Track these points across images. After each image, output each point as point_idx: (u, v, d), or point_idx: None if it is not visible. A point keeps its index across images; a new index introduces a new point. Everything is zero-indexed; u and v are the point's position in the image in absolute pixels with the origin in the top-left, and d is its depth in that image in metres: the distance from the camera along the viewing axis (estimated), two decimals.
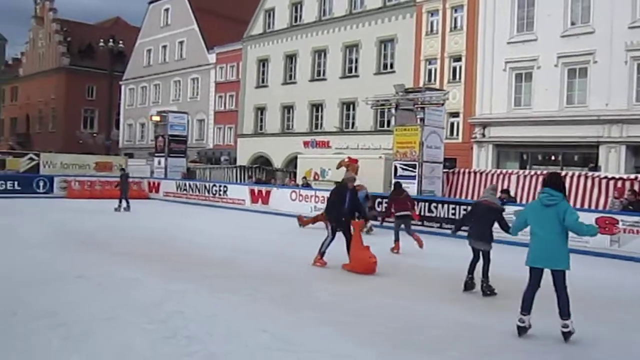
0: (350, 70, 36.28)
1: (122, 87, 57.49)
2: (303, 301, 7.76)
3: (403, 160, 19.34)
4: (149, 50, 55.18)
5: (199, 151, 45.65)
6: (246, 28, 43.31)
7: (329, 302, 7.79)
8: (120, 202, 21.17)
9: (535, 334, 6.51)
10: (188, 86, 50.56)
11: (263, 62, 42.00)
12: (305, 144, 37.60)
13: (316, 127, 38.02)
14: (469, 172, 20.49)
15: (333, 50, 36.91)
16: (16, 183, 25.83)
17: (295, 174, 26.62)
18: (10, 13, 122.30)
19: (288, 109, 39.90)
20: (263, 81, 41.97)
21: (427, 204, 17.69)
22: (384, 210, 15.38)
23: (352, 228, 10.69)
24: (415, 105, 18.93)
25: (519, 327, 6.53)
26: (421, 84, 29.55)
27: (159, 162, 30.12)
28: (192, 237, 14.49)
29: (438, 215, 17.29)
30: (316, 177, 23.66)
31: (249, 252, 12.25)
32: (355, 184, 15.13)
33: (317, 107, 38.08)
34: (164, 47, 53.39)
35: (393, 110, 19.90)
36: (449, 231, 16.49)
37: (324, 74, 37.75)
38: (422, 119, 18.86)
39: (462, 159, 27.57)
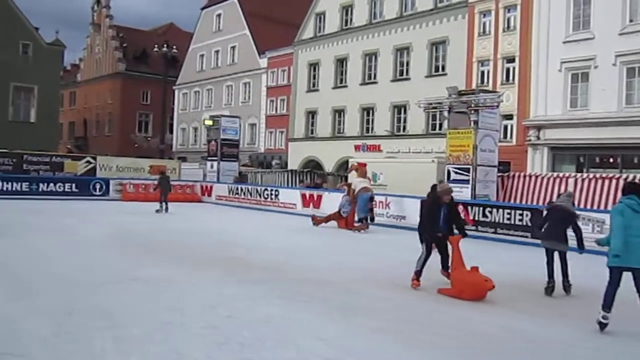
0: (401, 73, 36.02)
1: (176, 92, 58.44)
2: (358, 308, 7.64)
3: (456, 164, 19.03)
4: (202, 56, 55.95)
5: (251, 155, 46.00)
6: (297, 32, 43.49)
7: (385, 309, 7.65)
8: (161, 204, 21.82)
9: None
10: (240, 90, 51.04)
11: (314, 66, 42.07)
12: (356, 147, 37.49)
13: (367, 131, 37.86)
14: (525, 176, 20.01)
15: (384, 53, 36.71)
16: (74, 185, 26.51)
17: (347, 177, 26.49)
18: (70, 20, 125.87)
19: (339, 112, 39.84)
20: (314, 85, 42.03)
21: (481, 208, 17.31)
22: None
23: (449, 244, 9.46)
24: (469, 108, 18.59)
25: (601, 323, 6.82)
26: (473, 86, 29.11)
27: (212, 166, 30.42)
28: (245, 241, 14.53)
29: (493, 220, 16.88)
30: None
31: (302, 257, 12.20)
32: (362, 186, 18.44)
33: (368, 111, 37.93)
34: (216, 52, 54.05)
35: (446, 113, 19.60)
36: (503, 236, 16.31)
37: (374, 78, 37.58)
38: (476, 122, 18.51)
39: (516, 163, 27.01)
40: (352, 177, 20.39)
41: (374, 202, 18.61)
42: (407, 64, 35.60)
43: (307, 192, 23.48)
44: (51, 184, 26.10)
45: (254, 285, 8.71)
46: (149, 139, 56.98)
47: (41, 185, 25.88)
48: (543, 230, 9.46)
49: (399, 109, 35.97)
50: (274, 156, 45.98)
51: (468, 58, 31.71)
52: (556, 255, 9.12)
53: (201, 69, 56.02)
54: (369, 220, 18.16)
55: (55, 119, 46.94)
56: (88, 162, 28.60)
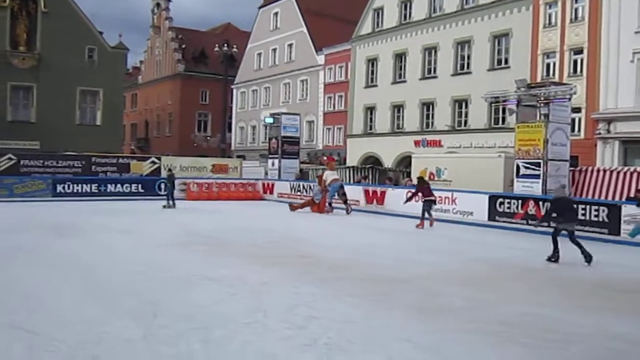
0: (462, 67, 35.41)
1: (234, 91, 59.08)
2: (438, 307, 7.46)
3: (526, 158, 18.52)
4: (259, 54, 56.39)
5: (309, 152, 46.06)
6: (354, 28, 43.27)
7: (465, 309, 7.45)
8: (168, 199, 22.70)
9: None
10: (297, 88, 51.22)
11: (372, 62, 41.78)
12: (416, 143, 37.09)
13: (427, 126, 37.39)
14: (597, 170, 19.37)
15: (444, 47, 36.17)
16: (140, 185, 27.05)
17: (409, 173, 26.24)
18: (131, 24, 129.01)
19: (398, 108, 39.48)
20: (372, 81, 41.75)
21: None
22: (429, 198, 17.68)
23: None
24: (539, 101, 18.08)
25: None
26: (538, 79, 28.39)
27: (273, 164, 30.57)
28: (311, 238, 14.49)
29: None
30: (432, 177, 23.16)
31: (371, 254, 12.05)
32: (332, 177, 21.99)
33: (427, 106, 37.45)
34: (274, 50, 54.38)
35: (514, 107, 19.11)
36: (578, 233, 15.77)
37: (434, 72, 37.06)
38: (547, 115, 17.98)
39: (584, 157, 26.12)
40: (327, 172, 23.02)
41: (343, 189, 22.30)
42: (468, 57, 34.97)
43: (371, 189, 23.31)
44: (118, 185, 26.70)
45: (328, 284, 8.62)
46: (208, 138, 57.79)
47: (109, 186, 26.50)
48: (558, 216, 11.82)
49: (460, 104, 35.37)
50: (333, 153, 45.91)
51: (533, 50, 30.91)
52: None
53: (259, 67, 56.47)
54: (347, 202, 21.85)
55: (120, 121, 48.06)
56: (153, 162, 29.10)
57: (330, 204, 21.79)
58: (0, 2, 41.76)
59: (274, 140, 30.82)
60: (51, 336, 5.79)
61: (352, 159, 40.91)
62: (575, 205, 11.86)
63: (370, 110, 41.70)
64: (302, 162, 33.84)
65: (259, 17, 56.79)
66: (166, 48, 66.49)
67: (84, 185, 26.14)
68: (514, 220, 17.75)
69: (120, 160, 28.98)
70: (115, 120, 46.67)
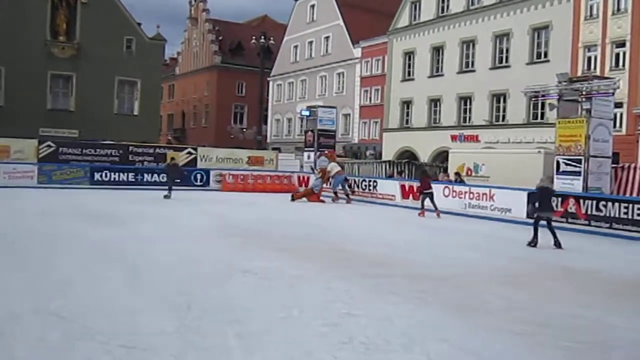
0: (500, 60, 34.92)
1: (270, 83, 59.16)
2: (477, 306, 7.25)
3: (567, 154, 18.06)
4: (296, 47, 56.37)
5: (345, 145, 45.92)
6: (391, 21, 42.96)
7: (505, 309, 7.22)
8: (170, 190, 22.02)
9: None
10: (334, 81, 51.08)
11: (409, 55, 41.44)
12: (453, 138, 36.71)
13: (464, 121, 36.98)
14: None
15: (482, 40, 35.70)
16: (166, 174, 27.11)
17: (446, 168, 25.90)
18: (169, 15, 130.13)
19: (435, 102, 39.11)
20: (409, 74, 41.42)
21: (594, 202, 16.35)
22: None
23: None
24: (581, 95, 17.62)
25: None
26: (579, 73, 27.78)
27: (308, 157, 30.45)
28: (347, 232, 14.37)
29: (608, 215, 15.91)
30: (469, 173, 22.83)
31: (408, 250, 11.87)
32: (337, 169, 23.95)
33: (465, 100, 37.02)
34: (310, 43, 54.30)
35: (555, 102, 18.65)
36: (620, 232, 15.40)
37: (472, 66, 36.63)
38: (589, 110, 17.49)
39: (626, 153, 25.47)
40: (323, 162, 24.74)
41: (348, 180, 24.56)
42: (507, 50, 34.48)
43: (407, 184, 23.06)
44: (155, 175, 26.87)
45: (365, 280, 8.47)
46: (244, 130, 58.01)
47: (146, 175, 26.70)
48: (540, 205, 13.00)
49: (498, 98, 34.90)
50: (368, 147, 45.74)
51: (573, 43, 30.32)
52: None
53: (295, 60, 56.46)
54: (348, 195, 23.82)
55: (157, 111, 48.59)
56: (189, 153, 29.25)
57: (336, 193, 23.81)
58: None
59: (310, 133, 30.70)
60: (86, 324, 5.76)
61: (388, 153, 40.63)
62: (554, 197, 13.57)
63: (406, 104, 41.38)
64: (338, 156, 33.64)
65: (296, 10, 56.73)
66: (203, 40, 66.88)
67: (121, 174, 26.39)
68: (553, 218, 17.31)
69: (157, 150, 29.20)
70: (153, 110, 47.17)
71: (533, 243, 12.65)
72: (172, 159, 25.43)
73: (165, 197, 21.62)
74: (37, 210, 16.20)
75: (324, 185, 24.02)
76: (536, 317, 6.89)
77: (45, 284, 7.48)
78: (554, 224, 13.00)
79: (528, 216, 17.26)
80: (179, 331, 5.70)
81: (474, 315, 6.82)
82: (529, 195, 14.75)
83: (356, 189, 25.33)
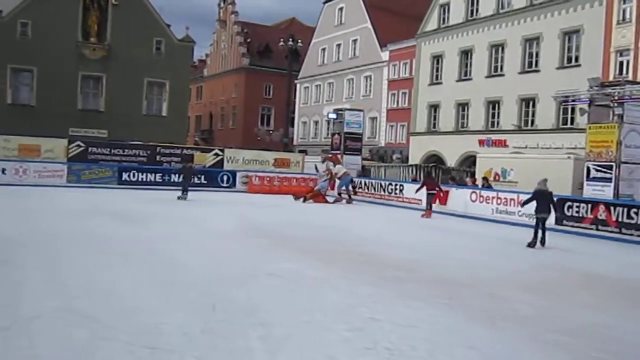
0: (530, 64, 34.48)
1: (297, 86, 59.22)
2: (504, 313, 7.13)
3: (597, 160, 17.75)
4: (323, 49, 56.35)
5: (371, 149, 45.78)
6: (420, 24, 42.68)
7: (532, 317, 7.10)
8: (183, 192, 21.68)
9: None
10: (361, 84, 50.96)
11: (437, 59, 41.14)
12: (481, 142, 36.32)
13: (492, 125, 36.59)
14: None
15: (511, 44, 35.29)
16: (203, 177, 27.31)
17: (473, 173, 25.67)
18: (197, 17, 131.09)
19: (463, 106, 38.76)
20: (437, 78, 41.11)
21: (625, 209, 16.03)
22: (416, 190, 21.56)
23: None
24: (612, 101, 17.32)
25: None
26: (610, 78, 27.31)
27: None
28: (372, 236, 14.28)
29: (639, 222, 15.62)
30: (497, 178, 22.60)
31: (434, 255, 11.77)
32: (343, 171, 24.99)
33: (493, 104, 36.63)
34: (338, 45, 54.24)
35: (586, 107, 18.36)
36: None
37: (501, 70, 36.23)
38: (620, 116, 17.19)
39: None
40: (330, 165, 25.76)
41: (353, 182, 25.74)
42: (537, 55, 34.02)
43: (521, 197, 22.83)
44: (182, 176, 26.98)
45: (389, 284, 8.39)
46: (271, 132, 58.15)
47: (173, 176, 26.84)
48: (536, 206, 13.74)
49: (527, 102, 34.46)
50: (395, 150, 45.55)
51: (605, 48, 29.80)
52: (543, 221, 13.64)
53: (322, 62, 56.45)
54: (350, 196, 24.71)
55: (185, 113, 48.87)
56: (216, 154, 29.38)
57: (340, 194, 24.81)
58: None
59: (336, 136, 30.64)
60: (111, 324, 5.78)
61: (415, 157, 40.40)
62: (551, 199, 13.94)
63: (434, 108, 41.09)
64: (364, 159, 33.54)
65: (324, 12, 56.73)
66: (231, 42, 67.21)
67: (148, 174, 26.64)
68: (582, 225, 17.08)
69: (185, 151, 29.39)
70: (181, 111, 47.49)
71: (532, 244, 13.48)
72: (188, 161, 25.45)
73: (179, 198, 21.47)
74: (65, 209, 16.38)
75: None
76: (566, 325, 6.76)
77: (71, 283, 7.54)
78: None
79: (556, 222, 17.09)
80: (203, 332, 5.70)
81: (502, 322, 6.71)
82: (533, 193, 14.54)
83: (383, 192, 25.19)
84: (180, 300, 6.91)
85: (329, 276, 8.77)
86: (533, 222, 18.26)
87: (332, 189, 25.43)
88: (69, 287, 7.24)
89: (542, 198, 13.82)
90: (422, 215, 20.03)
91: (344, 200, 24.57)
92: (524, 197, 18.68)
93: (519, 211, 18.76)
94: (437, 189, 20.66)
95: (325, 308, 6.82)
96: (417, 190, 21.24)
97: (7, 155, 24.92)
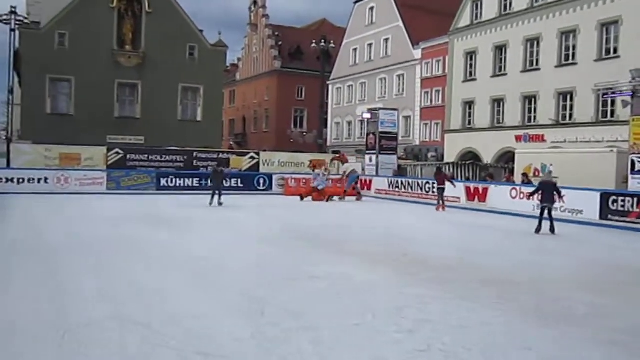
0: (566, 58, 33.84)
1: (330, 87, 59.20)
2: (558, 313, 6.96)
3: None
4: (355, 49, 56.24)
5: (406, 148, 45.50)
6: (452, 21, 42.27)
7: (589, 316, 6.91)
8: (212, 197, 20.77)
9: None
10: (394, 83, 50.73)
11: (471, 55, 40.67)
12: (517, 138, 35.81)
13: (529, 120, 36.04)
14: None
15: (547, 38, 34.68)
16: (239, 180, 27.47)
17: (512, 169, 25.31)
18: (229, 22, 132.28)
19: (498, 102, 38.26)
20: (471, 74, 40.65)
21: None
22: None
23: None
24: None
25: None
26: None
27: (370, 159, 30.28)
28: (413, 236, 14.16)
29: None
30: (536, 174, 22.23)
31: (477, 253, 11.59)
32: (352, 168, 26.31)
33: (529, 99, 36.08)
34: (370, 45, 54.08)
35: (629, 99, 17.95)
36: None
37: (537, 64, 35.64)
38: None
39: None
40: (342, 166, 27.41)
41: (359, 178, 26.97)
42: (574, 47, 33.36)
43: (472, 186, 22.62)
44: (212, 180, 27.16)
45: (437, 285, 8.26)
46: (304, 134, 58.22)
47: (210, 180, 27.01)
48: (541, 196, 15.15)
49: (565, 96, 33.83)
50: (430, 148, 45.19)
51: None
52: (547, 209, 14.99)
53: (354, 63, 56.33)
54: (359, 192, 25.98)
55: (219, 117, 49.22)
56: (252, 157, 29.54)
57: (345, 191, 25.74)
58: (108, 4, 43.63)
59: (371, 135, 30.52)
60: (161, 330, 5.79)
61: (450, 155, 40.02)
62: (555, 189, 15.11)
63: (469, 104, 40.65)
64: (399, 158, 33.37)
65: (355, 12, 56.63)
66: (263, 45, 67.52)
67: (186, 179, 26.87)
68: (628, 220, 16.70)
69: (221, 156, 29.59)
70: (215, 116, 47.85)
71: (538, 230, 14.89)
72: (218, 164, 25.47)
73: (211, 204, 20.47)
74: (107, 216, 16.59)
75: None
76: (624, 324, 6.57)
77: (118, 289, 7.59)
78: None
79: (601, 217, 16.75)
80: (254, 337, 5.66)
81: (557, 322, 6.53)
82: (539, 184, 16.20)
83: (420, 191, 24.99)
84: (227, 305, 6.91)
85: (375, 277, 8.69)
86: (574, 217, 18.13)
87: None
88: (117, 294, 7.29)
89: (547, 189, 15.18)
90: (437, 209, 21.38)
91: (353, 198, 25.60)
92: (568, 192, 18.50)
93: (562, 207, 18.41)
94: (446, 182, 21.65)
95: (374, 310, 6.74)
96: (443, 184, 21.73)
97: (49, 165, 25.40)
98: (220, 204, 20.53)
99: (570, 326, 6.42)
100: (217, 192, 20.89)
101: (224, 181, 23.46)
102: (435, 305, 7.06)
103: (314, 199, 24.74)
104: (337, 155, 28.51)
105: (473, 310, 6.88)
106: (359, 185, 26.54)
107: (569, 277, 9.36)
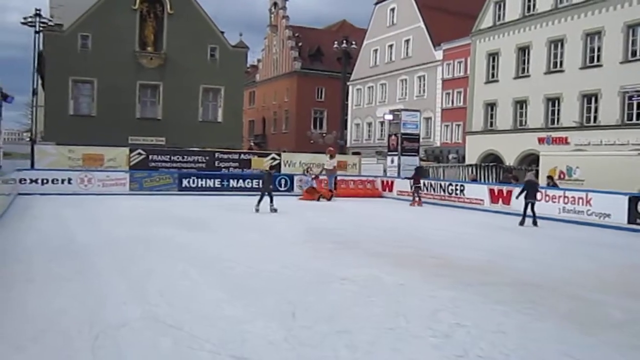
0: (591, 59, 33.54)
1: (350, 88, 59.10)
2: (595, 319, 6.81)
3: None
4: (375, 51, 56.14)
5: (426, 149, 45.29)
6: (473, 22, 42.06)
7: (627, 322, 6.75)
8: (260, 201, 18.85)
9: None
10: (414, 84, 50.54)
11: (493, 56, 40.44)
12: (540, 140, 35.55)
13: (552, 123, 35.73)
14: None
15: (572, 39, 34.42)
16: (261, 181, 27.34)
17: (537, 172, 24.99)
18: (249, 23, 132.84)
19: (521, 104, 37.99)
20: (493, 76, 40.41)
21: None
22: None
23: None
24: None
25: None
26: None
27: (392, 161, 30.12)
28: (439, 238, 14.00)
29: None
30: (562, 176, 21.98)
31: (507, 256, 11.42)
32: (332, 167, 26.21)
33: (553, 101, 35.79)
34: (390, 46, 53.96)
35: None
36: None
37: (561, 66, 35.37)
38: None
39: None
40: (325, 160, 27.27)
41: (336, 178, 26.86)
42: (599, 49, 33.05)
43: (496, 188, 22.41)
44: (240, 180, 27.24)
45: (469, 288, 8.13)
46: (324, 135, 58.18)
47: (231, 181, 27.09)
48: (526, 193, 17.15)
49: (589, 98, 33.51)
50: (451, 150, 44.98)
51: None
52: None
53: (375, 64, 56.23)
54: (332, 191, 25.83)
55: (240, 118, 49.36)
56: (273, 158, 29.49)
57: (331, 190, 25.83)
58: (131, 6, 43.92)
59: (393, 137, 30.37)
60: (194, 333, 5.73)
61: (472, 157, 39.80)
62: (538, 188, 17.80)
63: (490, 106, 40.40)
64: (421, 159, 33.18)
65: (375, 13, 56.53)
66: (283, 46, 67.63)
67: (208, 180, 26.87)
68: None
69: (242, 156, 29.60)
70: (236, 117, 48.00)
71: (522, 222, 17.05)
72: (271, 167, 25.14)
73: (259, 209, 18.68)
74: (131, 217, 16.62)
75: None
76: None
77: (148, 290, 7.54)
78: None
79: (629, 222, 16.49)
80: (287, 341, 5.59)
81: (594, 328, 6.39)
82: (524, 183, 18.30)
83: (443, 193, 24.79)
84: (258, 307, 6.83)
85: (405, 280, 8.57)
86: (603, 221, 17.89)
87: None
88: (148, 295, 7.25)
89: (532, 187, 17.34)
90: (410, 205, 23.80)
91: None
92: (595, 195, 18.35)
93: (589, 210, 18.18)
94: (421, 181, 24.56)
95: (408, 314, 6.64)
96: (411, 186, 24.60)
97: (72, 165, 25.52)
98: (274, 210, 18.66)
99: (609, 332, 6.29)
100: (267, 195, 19.01)
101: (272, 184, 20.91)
102: (470, 309, 6.94)
103: (303, 198, 25.07)
104: (332, 149, 28.46)
105: (507, 315, 6.76)
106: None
107: (600, 281, 9.18)
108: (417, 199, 23.94)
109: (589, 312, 7.14)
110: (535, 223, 16.93)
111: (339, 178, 27.53)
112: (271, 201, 18.80)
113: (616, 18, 31.71)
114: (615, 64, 31.65)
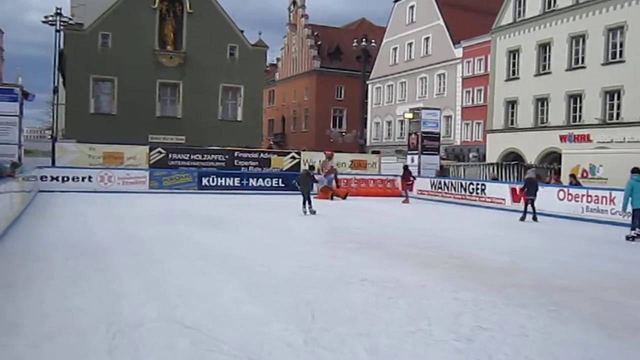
0: (614, 55, 33.02)
1: (369, 86, 58.90)
2: (621, 322, 6.64)
3: None
4: (395, 49, 55.87)
5: (447, 148, 44.98)
6: (493, 19, 41.64)
7: None
8: (304, 203, 18.13)
9: None
10: (434, 82, 50.23)
11: (513, 54, 40.01)
12: (562, 138, 35.10)
13: (574, 120, 35.26)
14: None
15: (593, 34, 33.90)
16: (280, 180, 27.42)
17: (558, 170, 24.71)
18: (269, 22, 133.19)
19: (542, 101, 37.55)
20: (514, 73, 39.97)
21: None
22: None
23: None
24: None
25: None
26: None
27: (412, 160, 29.93)
28: (460, 239, 13.82)
29: None
30: (584, 175, 21.65)
31: (527, 257, 11.24)
32: (330, 167, 26.09)
33: (575, 98, 35.30)
34: (410, 44, 53.67)
35: None
36: None
37: (582, 62, 34.86)
38: None
39: None
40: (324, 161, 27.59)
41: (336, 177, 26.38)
42: (622, 44, 32.53)
43: (518, 187, 22.14)
44: (260, 179, 27.24)
45: (491, 290, 7.97)
46: (343, 134, 58.03)
47: (251, 180, 27.10)
48: (527, 190, 18.28)
49: (612, 95, 33.02)
50: (471, 149, 44.62)
51: None
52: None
53: (394, 62, 55.96)
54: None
55: (260, 117, 49.35)
56: (293, 157, 29.45)
57: (331, 189, 25.73)
58: (150, 5, 44.11)
59: (413, 135, 30.17)
60: (212, 334, 5.66)
61: (492, 155, 39.43)
62: (537, 185, 18.64)
63: (511, 104, 39.98)
64: (441, 158, 32.95)
65: (395, 12, 56.26)
66: (302, 45, 67.56)
67: (227, 179, 26.91)
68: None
69: (262, 155, 29.60)
70: (255, 115, 48.01)
71: (522, 218, 18.06)
72: (311, 167, 23.19)
73: (307, 212, 17.96)
74: (151, 215, 16.65)
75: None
76: None
77: (165, 290, 7.51)
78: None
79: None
80: (306, 343, 5.50)
81: (619, 332, 6.22)
82: (524, 181, 19.80)
83: (464, 192, 24.57)
84: (277, 308, 6.75)
85: (427, 281, 8.44)
86: (625, 219, 17.57)
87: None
88: (166, 295, 7.20)
89: (532, 185, 18.36)
90: (403, 202, 24.55)
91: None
92: (619, 194, 17.96)
93: (612, 209, 17.88)
94: (411, 179, 26.09)
95: (429, 316, 6.52)
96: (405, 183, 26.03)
97: (93, 163, 25.69)
98: (313, 212, 17.94)
99: (634, 336, 6.12)
100: (308, 197, 18.18)
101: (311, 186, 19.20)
102: (492, 312, 6.80)
103: (318, 197, 23.92)
104: (329, 153, 28.27)
105: (530, 318, 6.60)
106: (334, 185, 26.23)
107: (624, 283, 8.99)
108: (406, 196, 25.18)
109: (613, 315, 6.96)
110: (535, 219, 17.91)
111: (339, 177, 26.87)
112: (309, 202, 18.14)
113: (638, 13, 31.20)
114: (638, 59, 31.14)
